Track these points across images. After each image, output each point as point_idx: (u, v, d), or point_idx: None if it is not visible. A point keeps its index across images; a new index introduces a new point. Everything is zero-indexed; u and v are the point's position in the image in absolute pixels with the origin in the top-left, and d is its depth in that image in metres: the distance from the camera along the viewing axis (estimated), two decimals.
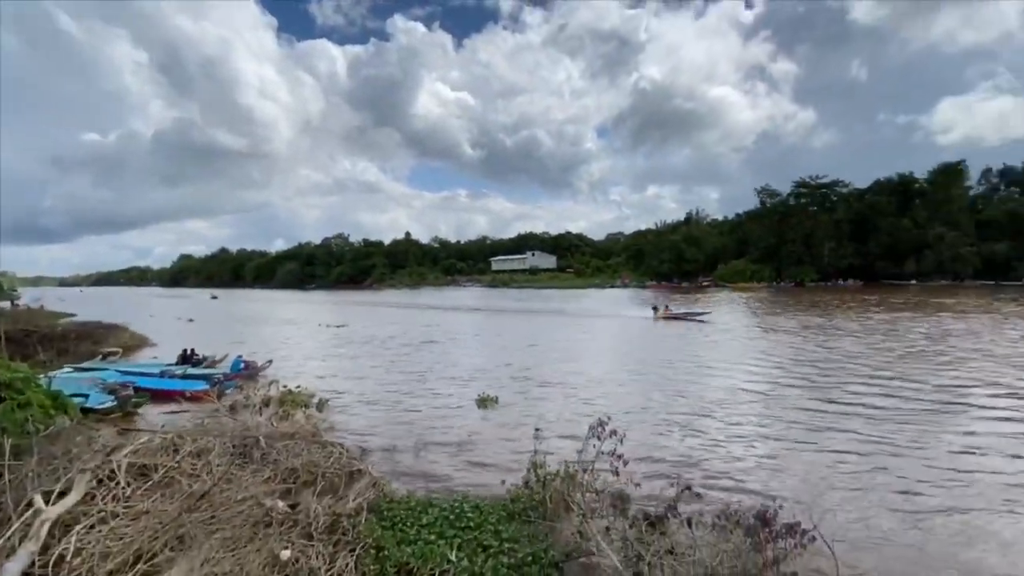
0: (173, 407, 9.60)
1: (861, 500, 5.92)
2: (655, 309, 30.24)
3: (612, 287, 77.51)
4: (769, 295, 49.91)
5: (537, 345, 18.89)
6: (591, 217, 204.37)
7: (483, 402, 10.23)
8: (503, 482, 5.81)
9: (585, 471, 5.34)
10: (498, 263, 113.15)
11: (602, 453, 5.29)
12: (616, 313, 34.02)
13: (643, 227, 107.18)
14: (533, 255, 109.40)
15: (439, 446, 7.84)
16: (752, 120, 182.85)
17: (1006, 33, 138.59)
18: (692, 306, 33.13)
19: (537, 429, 6.83)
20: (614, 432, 5.23)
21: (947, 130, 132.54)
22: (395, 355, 16.90)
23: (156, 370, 12.87)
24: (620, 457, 5.12)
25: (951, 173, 64.68)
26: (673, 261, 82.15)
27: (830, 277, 68.80)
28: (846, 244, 69.17)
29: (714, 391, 11.18)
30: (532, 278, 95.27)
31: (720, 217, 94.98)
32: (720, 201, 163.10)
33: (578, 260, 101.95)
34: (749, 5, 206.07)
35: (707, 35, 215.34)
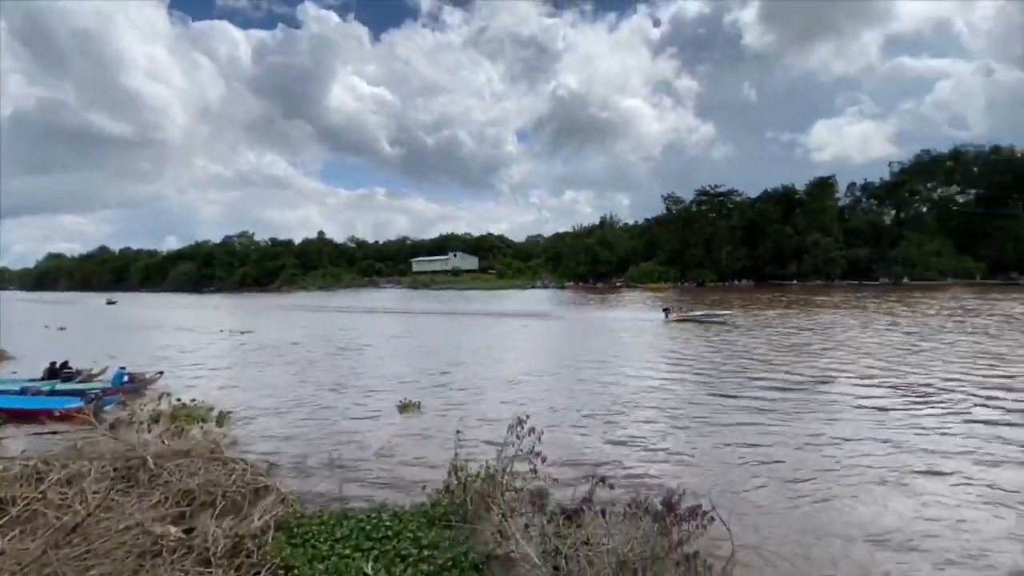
0: (38, 429, 8.39)
1: (754, 482, 6.50)
2: (666, 312, 28.23)
3: (533, 288, 78.46)
4: (675, 294, 52.86)
5: (461, 347, 18.72)
6: (512, 219, 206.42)
7: (404, 408, 9.91)
8: (423, 487, 5.70)
9: (505, 471, 5.38)
10: (419, 264, 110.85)
11: (521, 452, 5.36)
12: (543, 312, 34.69)
13: (561, 230, 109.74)
14: (455, 256, 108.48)
15: (356, 456, 7.48)
16: (659, 132, 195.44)
17: (868, 66, 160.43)
18: (711, 308, 30.47)
19: (458, 432, 6.77)
20: (532, 430, 5.31)
21: (821, 148, 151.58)
22: (307, 362, 15.94)
23: (15, 387, 11.14)
24: (539, 455, 5.20)
25: (824, 186, 72.77)
26: (589, 263, 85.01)
27: (727, 278, 74.67)
28: (740, 248, 75.34)
29: (626, 387, 11.61)
30: (454, 279, 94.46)
31: (631, 221, 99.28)
32: (631, 206, 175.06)
33: (500, 261, 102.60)
34: (656, 23, 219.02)
35: (620, 48, 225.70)
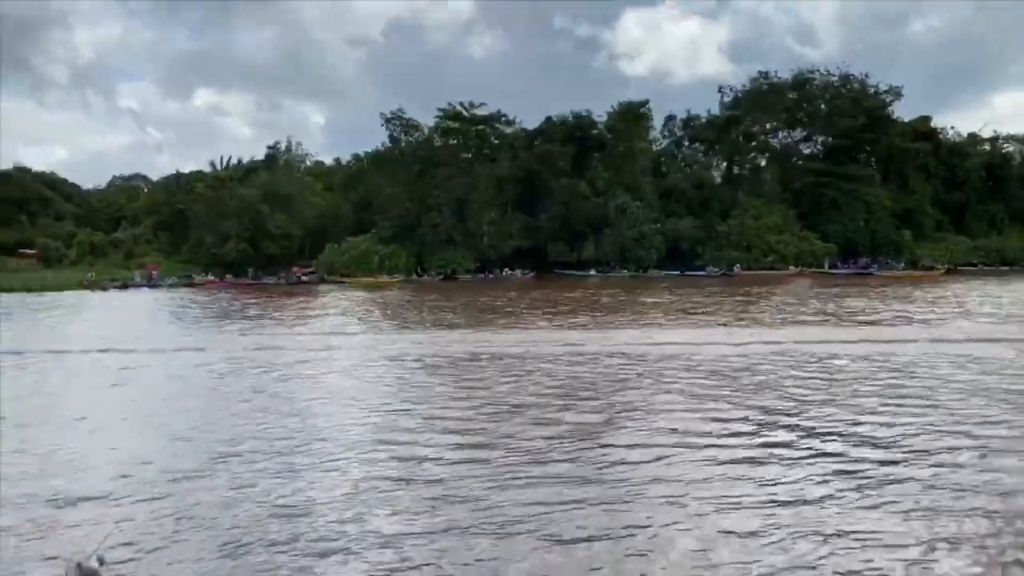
0: None
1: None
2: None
3: (127, 287, 48.62)
4: (408, 295, 39.23)
5: None
6: (78, 141, 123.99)
7: None
8: None
9: None
10: None
11: None
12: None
13: (187, 169, 70.09)
14: None
15: None
16: None
17: None
18: None
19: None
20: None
21: (632, 54, 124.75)
22: None
23: None
24: None
25: (635, 118, 54.70)
26: (246, 237, 53.77)
27: (491, 266, 53.67)
28: (511, 215, 54.65)
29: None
30: None
31: (328, 160, 70.29)
32: (328, 130, 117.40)
33: (45, 232, 60.54)
34: None
35: None
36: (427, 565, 5.32)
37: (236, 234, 52.41)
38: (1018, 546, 5.42)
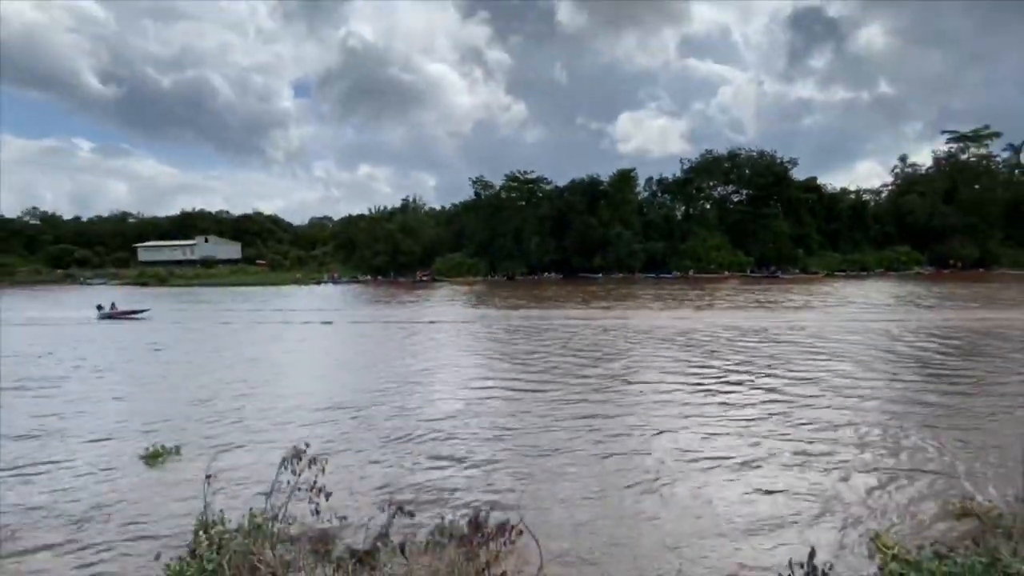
0: None
1: (565, 492, 7.14)
2: (99, 308, 33.36)
3: (318, 283, 75.31)
4: (487, 288, 57.41)
5: (232, 365, 17.31)
6: (290, 195, 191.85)
7: (153, 457, 8.44)
8: (157, 557, 4.87)
9: (277, 518, 4.89)
10: (149, 252, 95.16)
11: (299, 490, 4.96)
12: (336, 313, 33.55)
13: (355, 212, 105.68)
14: (206, 241, 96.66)
15: (52, 526, 6.03)
16: (470, 106, 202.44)
17: (666, 62, 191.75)
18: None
19: (208, 476, 5.96)
20: (313, 461, 4.95)
21: (626, 140, 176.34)
22: None
23: None
24: (321, 491, 4.87)
25: (626, 179, 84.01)
26: (388, 253, 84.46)
27: (536, 271, 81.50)
28: (548, 239, 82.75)
29: (426, 399, 12.12)
30: (205, 273, 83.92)
31: (437, 206, 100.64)
32: (437, 189, 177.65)
33: (272, 250, 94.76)
34: None
35: (424, 1, 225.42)
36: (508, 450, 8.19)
37: (382, 251, 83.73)
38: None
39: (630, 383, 13.51)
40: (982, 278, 60.29)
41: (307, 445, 5.11)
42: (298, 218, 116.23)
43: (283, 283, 73.88)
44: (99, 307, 33.46)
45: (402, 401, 12.30)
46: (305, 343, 22.85)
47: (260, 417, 11.20)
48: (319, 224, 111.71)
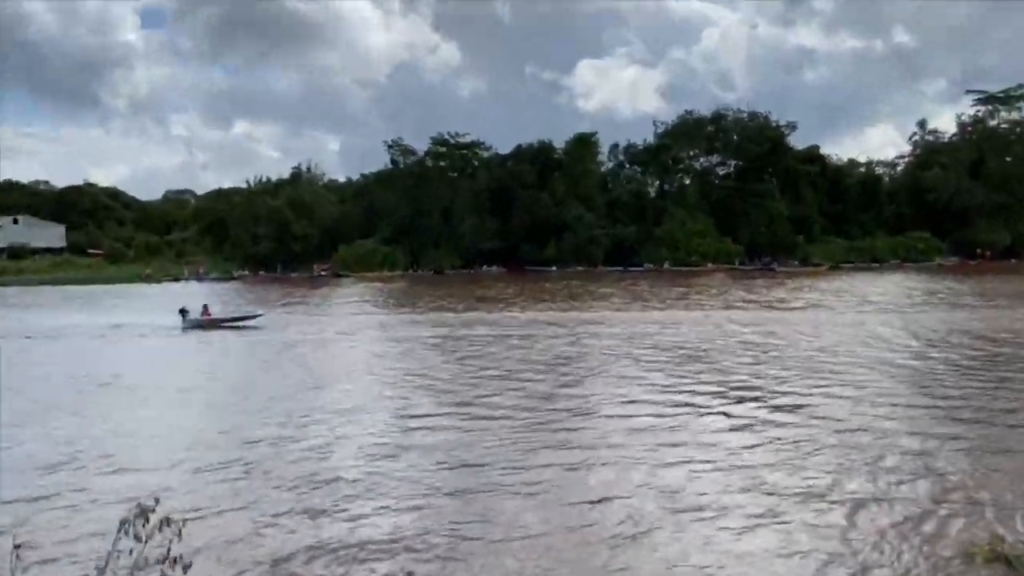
0: None
1: (517, 555, 7.44)
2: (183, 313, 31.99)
3: (180, 280, 73.83)
4: (409, 285, 58.79)
5: (58, 389, 17.80)
6: (136, 161, 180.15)
7: None
8: None
9: None
10: None
11: (147, 562, 4.70)
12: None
13: (227, 184, 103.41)
14: (16, 223, 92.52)
15: None
16: (385, 46, 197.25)
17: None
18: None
19: (17, 547, 5.57)
20: (167, 522, 4.68)
21: (586, 95, 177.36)
22: None
23: None
24: (176, 561, 4.61)
25: (585, 145, 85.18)
26: (275, 239, 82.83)
27: (473, 263, 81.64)
28: (488, 222, 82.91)
29: (328, 439, 12.29)
30: (13, 267, 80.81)
31: (342, 178, 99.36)
32: (341, 154, 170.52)
33: (111, 235, 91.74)
34: None
35: None
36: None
37: (266, 236, 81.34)
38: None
39: (593, 414, 14.11)
40: (1017, 270, 63.84)
41: (156, 501, 4.82)
42: (148, 192, 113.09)
43: (126, 280, 71.95)
44: (183, 312, 31.85)
45: (296, 440, 12.45)
46: (166, 364, 23.24)
47: (102, 464, 11.19)
48: (177, 200, 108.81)
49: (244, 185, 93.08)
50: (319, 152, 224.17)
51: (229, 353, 25.53)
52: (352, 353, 24.18)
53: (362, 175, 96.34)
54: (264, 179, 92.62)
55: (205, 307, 33.10)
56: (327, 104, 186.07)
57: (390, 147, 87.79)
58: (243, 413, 14.82)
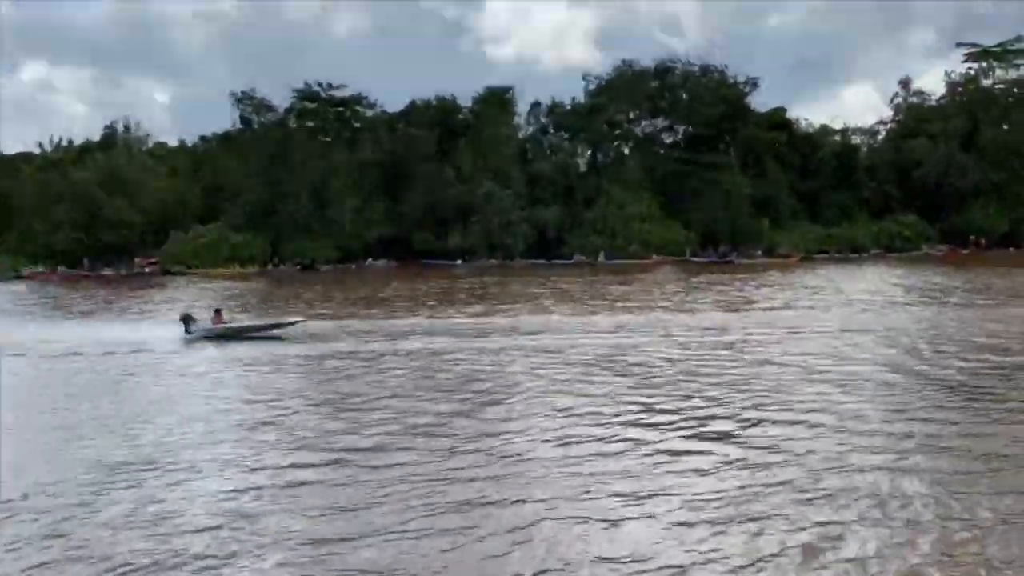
0: None
1: None
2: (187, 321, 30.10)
3: None
4: (268, 286, 55.91)
5: None
6: None
7: None
8: None
9: None
10: None
11: None
12: None
13: (11, 150, 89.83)
14: None
15: None
16: None
17: None
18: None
19: None
20: None
21: (499, 39, 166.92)
22: None
23: None
24: None
25: (499, 103, 78.61)
26: (81, 225, 73.39)
27: (354, 256, 75.68)
28: (373, 202, 76.92)
29: (172, 503, 10.74)
30: None
31: (173, 141, 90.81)
32: (173, 109, 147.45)
33: None
34: None
35: None
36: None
37: (69, 221, 71.92)
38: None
39: (520, 458, 12.95)
40: (1016, 261, 63.00)
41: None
42: None
43: None
44: (186, 319, 29.60)
45: (126, 500, 11.12)
46: None
47: None
48: None
49: (36, 151, 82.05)
50: (142, 106, 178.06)
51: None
52: (175, 383, 21.28)
53: (201, 138, 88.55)
54: (65, 142, 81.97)
55: (217, 312, 30.93)
56: (152, 42, 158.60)
57: (239, 100, 79.29)
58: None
